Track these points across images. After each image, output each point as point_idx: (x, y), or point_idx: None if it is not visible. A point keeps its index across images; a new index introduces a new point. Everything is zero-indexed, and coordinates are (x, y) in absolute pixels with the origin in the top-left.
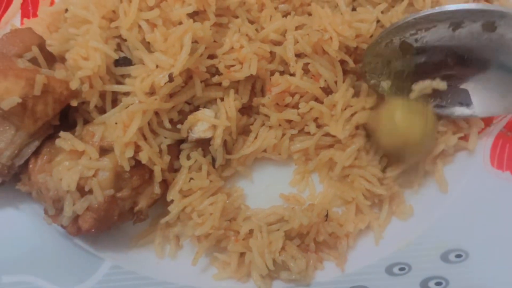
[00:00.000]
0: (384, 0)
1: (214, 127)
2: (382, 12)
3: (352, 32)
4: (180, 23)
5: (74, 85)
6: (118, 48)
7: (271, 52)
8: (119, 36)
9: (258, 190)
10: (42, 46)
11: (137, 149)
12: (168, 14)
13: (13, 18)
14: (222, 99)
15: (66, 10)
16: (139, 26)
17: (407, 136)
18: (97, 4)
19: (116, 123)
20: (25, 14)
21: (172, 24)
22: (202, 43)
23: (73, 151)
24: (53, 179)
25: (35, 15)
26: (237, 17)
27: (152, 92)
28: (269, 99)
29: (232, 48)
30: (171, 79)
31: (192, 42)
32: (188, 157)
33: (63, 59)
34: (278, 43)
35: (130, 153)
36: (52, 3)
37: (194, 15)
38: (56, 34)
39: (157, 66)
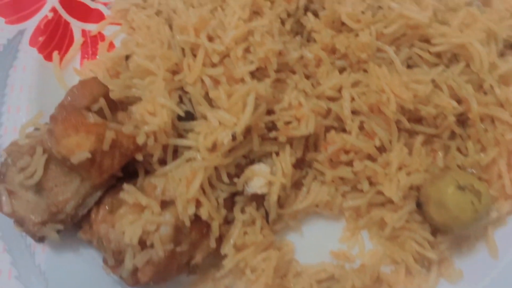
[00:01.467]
0: (440, 60)
1: (270, 183)
2: None
3: (410, 95)
4: (242, 79)
5: (140, 140)
6: (180, 99)
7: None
8: (181, 88)
9: (307, 244)
10: (106, 95)
11: (198, 204)
12: (231, 71)
13: (74, 58)
14: (277, 154)
15: (127, 57)
16: (202, 81)
17: (458, 217)
18: (162, 57)
19: (180, 179)
20: (84, 55)
21: (234, 81)
22: (263, 101)
23: (136, 204)
24: (115, 232)
25: (94, 56)
26: (294, 72)
27: (213, 148)
28: (324, 157)
29: (290, 104)
30: (234, 138)
31: None
32: (243, 211)
33: (122, 104)
34: (333, 99)
35: (192, 209)
36: (110, 45)
37: (255, 71)
38: (117, 81)
39: (220, 123)
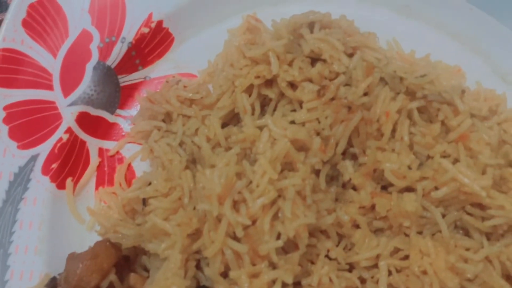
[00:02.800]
0: (494, 229)
1: None
2: None
3: (456, 282)
4: (267, 256)
5: None
6: (197, 265)
7: None
8: (199, 251)
9: None
10: (118, 261)
11: None
12: (256, 244)
13: (89, 182)
14: None
15: (144, 201)
16: (223, 253)
17: None
18: (182, 224)
19: None
20: (100, 181)
21: (259, 256)
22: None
23: None
24: None
25: (110, 182)
26: (327, 234)
27: None
28: None
29: (320, 282)
30: None
31: None
32: None
33: (136, 249)
34: (369, 268)
35: None
36: (128, 167)
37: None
38: (132, 230)
39: None
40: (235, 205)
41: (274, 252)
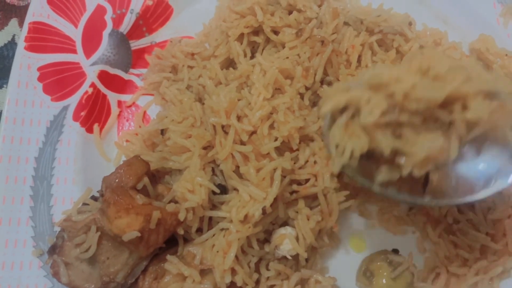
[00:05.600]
0: None
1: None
2: None
3: None
4: (268, 154)
5: (182, 216)
6: (212, 171)
7: None
8: (213, 161)
9: None
10: (148, 172)
11: (233, 272)
12: (258, 147)
13: (112, 128)
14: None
15: (162, 131)
16: (233, 156)
17: None
18: (197, 137)
19: (217, 251)
20: (121, 126)
21: (261, 156)
22: (287, 173)
23: (179, 273)
24: None
25: (130, 126)
26: (313, 140)
27: (245, 219)
28: None
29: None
30: (264, 212)
31: None
32: (267, 267)
33: (159, 173)
34: None
35: (228, 278)
36: (144, 114)
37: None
38: (156, 154)
39: (250, 197)
40: (239, 120)
41: (273, 150)
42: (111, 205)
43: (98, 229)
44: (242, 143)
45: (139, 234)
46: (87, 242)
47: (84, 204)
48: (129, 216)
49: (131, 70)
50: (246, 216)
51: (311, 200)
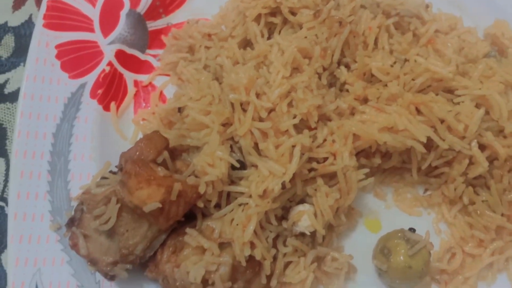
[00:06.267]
0: None
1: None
2: None
3: None
4: (287, 131)
5: (202, 189)
6: (231, 148)
7: None
8: (232, 138)
9: None
10: (167, 147)
11: (252, 246)
12: (277, 124)
13: (128, 107)
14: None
15: (179, 109)
16: (252, 133)
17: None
18: (216, 113)
19: (236, 224)
20: (137, 104)
21: (280, 133)
22: (306, 150)
23: (198, 246)
24: (180, 271)
25: (146, 105)
26: (330, 120)
27: (264, 194)
28: None
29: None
30: (283, 186)
31: None
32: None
33: (176, 151)
34: None
35: (247, 251)
36: (161, 94)
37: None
38: (174, 131)
39: (270, 173)
40: (258, 97)
41: (292, 127)
42: (132, 176)
43: (117, 201)
44: (261, 120)
45: (160, 205)
46: (106, 213)
47: (103, 178)
48: (150, 187)
49: (148, 51)
50: (265, 191)
51: (328, 178)
